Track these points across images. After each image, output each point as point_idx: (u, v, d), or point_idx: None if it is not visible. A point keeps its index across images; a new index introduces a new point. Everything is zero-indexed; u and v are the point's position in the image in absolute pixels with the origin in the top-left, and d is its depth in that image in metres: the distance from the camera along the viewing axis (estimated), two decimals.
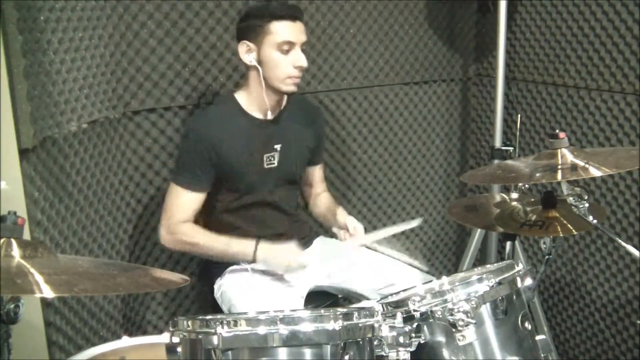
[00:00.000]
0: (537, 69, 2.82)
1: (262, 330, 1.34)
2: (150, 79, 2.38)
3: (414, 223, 2.26)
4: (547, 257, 2.04)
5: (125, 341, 1.69)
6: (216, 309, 2.24)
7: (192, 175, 2.15)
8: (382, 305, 1.56)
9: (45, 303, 1.89)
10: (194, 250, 2.22)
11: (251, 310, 1.72)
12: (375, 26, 2.83)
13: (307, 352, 1.35)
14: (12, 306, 1.31)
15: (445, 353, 1.51)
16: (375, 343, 1.43)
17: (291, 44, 2.10)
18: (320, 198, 2.48)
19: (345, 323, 1.37)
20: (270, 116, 2.22)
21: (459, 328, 1.47)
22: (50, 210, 1.92)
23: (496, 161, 2.75)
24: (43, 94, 1.85)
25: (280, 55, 2.10)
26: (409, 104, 3.00)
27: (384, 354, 1.44)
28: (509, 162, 2.12)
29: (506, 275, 1.59)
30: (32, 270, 1.26)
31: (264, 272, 2.20)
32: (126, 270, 1.51)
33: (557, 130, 1.87)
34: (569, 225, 1.94)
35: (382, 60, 2.88)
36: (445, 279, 1.74)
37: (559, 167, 1.79)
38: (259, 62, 2.12)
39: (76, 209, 2.08)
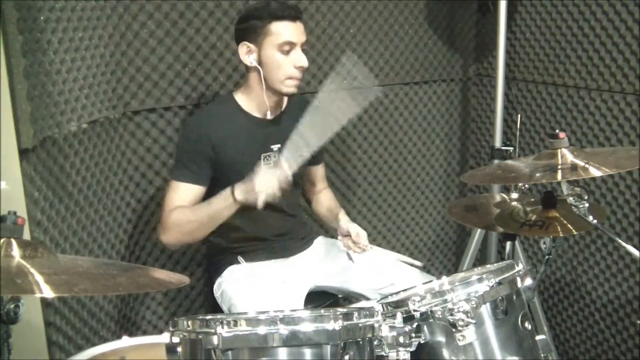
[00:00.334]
0: (537, 69, 2.82)
1: (262, 330, 1.34)
2: (150, 79, 2.38)
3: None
4: (547, 257, 2.04)
5: (125, 341, 1.69)
6: (216, 308, 2.24)
7: (188, 170, 2.15)
8: (382, 305, 1.56)
9: (45, 303, 1.89)
10: (191, 230, 2.13)
11: (251, 310, 1.73)
12: (375, 26, 2.83)
13: (307, 352, 1.35)
14: (12, 306, 1.31)
15: (445, 353, 1.51)
16: (375, 343, 1.43)
17: (292, 45, 2.10)
18: (322, 195, 2.48)
19: (345, 323, 1.37)
20: (270, 116, 2.22)
21: (459, 328, 1.47)
22: (50, 210, 1.92)
23: (496, 161, 2.75)
24: (43, 94, 1.85)
25: (281, 55, 2.10)
26: (409, 104, 3.01)
27: (384, 354, 1.44)
28: (509, 162, 2.12)
29: (506, 275, 1.59)
30: (32, 270, 1.26)
31: (263, 272, 2.20)
32: (126, 270, 1.51)
33: (557, 130, 1.87)
34: (569, 225, 1.94)
35: (382, 60, 2.88)
36: (445, 279, 1.74)
37: (559, 167, 1.79)
38: (260, 63, 2.12)
39: (76, 209, 2.08)
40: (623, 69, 2.48)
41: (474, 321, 1.47)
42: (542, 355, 1.61)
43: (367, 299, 2.25)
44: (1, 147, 1.72)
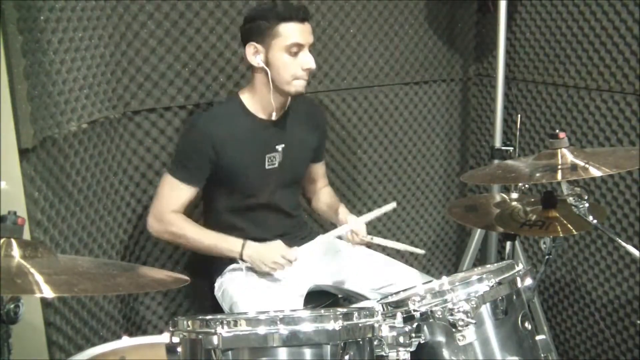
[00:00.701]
0: (537, 69, 2.81)
1: (262, 330, 1.34)
2: (150, 79, 2.38)
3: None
4: (547, 257, 2.04)
5: (125, 341, 1.69)
6: (216, 308, 2.24)
7: (188, 170, 2.16)
8: (382, 305, 1.56)
9: (45, 303, 1.89)
10: (180, 242, 2.24)
11: (251, 310, 1.73)
12: (375, 26, 2.82)
13: (307, 352, 1.35)
14: (12, 306, 1.31)
15: (445, 353, 1.51)
16: (375, 343, 1.43)
17: (300, 46, 2.09)
18: (322, 193, 2.49)
19: (345, 323, 1.37)
20: (274, 117, 2.22)
21: (459, 328, 1.47)
22: (50, 210, 1.92)
23: (496, 161, 2.75)
24: (43, 94, 1.85)
25: (289, 57, 2.09)
26: (409, 104, 3.00)
27: (384, 354, 1.44)
28: (509, 162, 2.12)
29: (506, 275, 1.59)
30: (32, 270, 1.26)
31: (263, 272, 2.20)
32: (126, 270, 1.51)
33: (557, 130, 1.87)
34: (569, 225, 1.94)
35: (382, 60, 2.88)
36: (445, 279, 1.75)
37: (559, 167, 1.79)
38: (267, 63, 2.11)
39: (76, 209, 2.08)
40: (623, 69, 2.48)
41: (474, 321, 1.47)
42: (542, 355, 1.61)
43: (367, 299, 2.25)
44: (1, 147, 1.72)
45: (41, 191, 1.87)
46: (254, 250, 2.15)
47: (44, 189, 1.89)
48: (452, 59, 3.06)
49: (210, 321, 1.35)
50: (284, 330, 1.34)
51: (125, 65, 2.32)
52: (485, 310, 1.52)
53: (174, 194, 2.17)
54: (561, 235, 1.96)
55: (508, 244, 2.37)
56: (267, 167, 2.22)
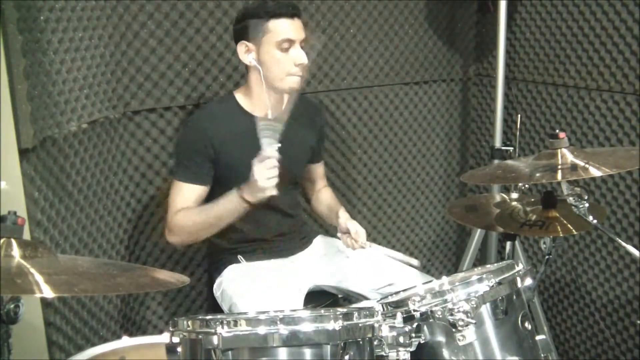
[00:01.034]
0: (537, 69, 2.82)
1: (262, 330, 1.34)
2: (150, 79, 2.38)
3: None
4: (547, 257, 2.04)
5: (125, 341, 1.69)
6: (216, 308, 2.24)
7: (190, 169, 2.16)
8: (382, 305, 1.56)
9: (45, 303, 1.89)
10: (197, 231, 2.17)
11: (251, 310, 1.73)
12: (375, 26, 2.82)
13: (307, 352, 1.35)
14: (12, 306, 1.31)
15: (445, 353, 1.51)
16: (375, 343, 1.43)
17: (291, 42, 2.10)
18: (322, 193, 2.48)
19: (345, 323, 1.37)
20: (270, 116, 2.22)
21: (459, 328, 1.47)
22: (50, 210, 1.92)
23: (496, 161, 2.75)
24: (43, 94, 1.85)
25: (280, 53, 2.09)
26: (409, 104, 3.00)
27: (384, 354, 1.44)
28: (509, 162, 2.12)
29: (506, 275, 1.59)
30: (32, 270, 1.26)
31: (263, 271, 2.20)
32: (126, 270, 1.51)
33: (557, 130, 1.87)
34: (569, 225, 1.94)
35: (382, 60, 2.88)
36: (445, 279, 1.75)
37: (559, 167, 1.79)
38: (259, 61, 2.12)
39: (76, 209, 2.08)
40: (623, 69, 2.48)
41: (474, 321, 1.47)
42: (542, 355, 1.61)
43: (367, 299, 2.25)
44: (1, 147, 1.72)
45: (41, 191, 1.87)
46: (248, 187, 2.05)
47: (44, 189, 1.89)
48: (452, 59, 3.06)
49: (210, 321, 1.35)
50: (284, 330, 1.33)
51: (125, 65, 2.32)
52: (485, 310, 1.52)
53: (181, 197, 2.16)
54: (561, 235, 1.96)
55: (508, 244, 2.38)
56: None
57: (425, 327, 1.49)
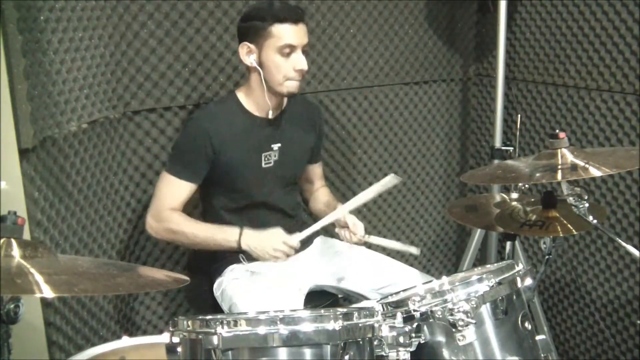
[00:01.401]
0: (537, 69, 2.82)
1: (262, 330, 1.34)
2: (150, 79, 2.38)
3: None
4: (547, 257, 2.04)
5: (125, 341, 1.69)
6: (216, 308, 2.24)
7: (184, 165, 2.16)
8: (382, 305, 1.56)
9: (45, 303, 1.89)
10: (178, 239, 2.21)
11: (251, 310, 1.72)
12: (375, 26, 2.82)
13: (307, 352, 1.35)
14: (12, 306, 1.31)
15: (445, 353, 1.51)
16: (375, 343, 1.43)
17: (292, 47, 2.09)
18: (319, 193, 2.49)
19: (345, 323, 1.37)
20: (271, 116, 2.22)
21: (459, 328, 1.47)
22: (50, 210, 1.92)
23: (496, 161, 2.75)
24: (43, 94, 1.85)
25: (281, 58, 2.09)
26: (409, 104, 3.00)
27: (384, 354, 1.44)
28: (509, 162, 2.12)
29: (506, 275, 1.59)
30: (32, 270, 1.26)
31: (263, 271, 2.20)
32: (126, 270, 1.51)
33: (557, 130, 1.87)
34: (569, 225, 1.94)
35: (382, 60, 2.88)
36: (445, 279, 1.74)
37: (559, 167, 1.79)
38: (260, 64, 2.12)
39: (76, 209, 2.08)
40: (623, 69, 2.48)
41: (474, 321, 1.47)
42: (542, 355, 1.61)
43: (367, 299, 2.25)
44: (1, 147, 1.72)
45: (41, 191, 1.87)
46: (253, 238, 2.13)
47: (44, 189, 1.89)
48: (452, 59, 3.06)
49: (210, 321, 1.35)
50: (284, 330, 1.33)
51: (125, 65, 2.32)
52: (485, 310, 1.52)
53: (171, 191, 2.17)
54: (561, 235, 1.96)
55: (508, 244, 2.37)
56: (263, 165, 2.22)
57: (425, 327, 1.49)
